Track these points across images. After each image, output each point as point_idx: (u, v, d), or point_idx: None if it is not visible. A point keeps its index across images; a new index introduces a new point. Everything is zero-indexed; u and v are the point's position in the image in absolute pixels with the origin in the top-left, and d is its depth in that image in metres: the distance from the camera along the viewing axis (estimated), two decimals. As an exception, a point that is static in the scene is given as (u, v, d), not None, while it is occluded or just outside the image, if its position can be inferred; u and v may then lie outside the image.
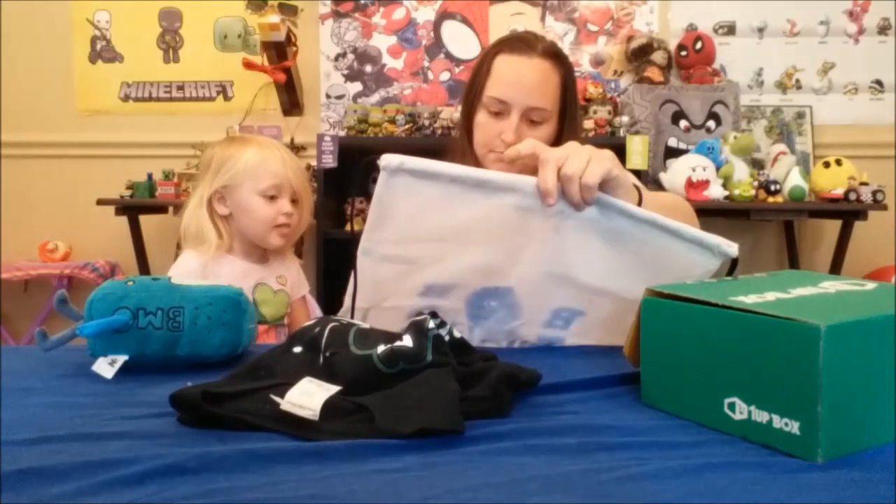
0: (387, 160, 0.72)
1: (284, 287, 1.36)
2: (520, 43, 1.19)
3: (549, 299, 0.82)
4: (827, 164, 2.37)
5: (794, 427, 0.49)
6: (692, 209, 1.06)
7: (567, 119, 1.22)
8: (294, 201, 1.32)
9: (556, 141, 1.18)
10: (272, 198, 1.28)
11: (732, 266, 0.76)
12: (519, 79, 1.16)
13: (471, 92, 1.23)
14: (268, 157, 1.28)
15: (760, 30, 2.75)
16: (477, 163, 1.20)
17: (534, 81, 1.16)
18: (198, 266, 1.25)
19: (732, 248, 0.76)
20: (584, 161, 0.74)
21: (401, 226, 0.77)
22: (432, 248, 0.79)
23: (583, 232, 0.77)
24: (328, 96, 2.81)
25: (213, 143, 1.37)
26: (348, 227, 2.49)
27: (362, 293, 0.82)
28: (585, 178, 0.73)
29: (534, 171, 0.76)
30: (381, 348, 0.60)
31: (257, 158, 1.28)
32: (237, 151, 1.29)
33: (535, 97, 1.15)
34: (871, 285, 0.63)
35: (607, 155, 0.76)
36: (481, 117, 1.19)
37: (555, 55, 1.19)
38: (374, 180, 0.76)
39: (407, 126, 2.51)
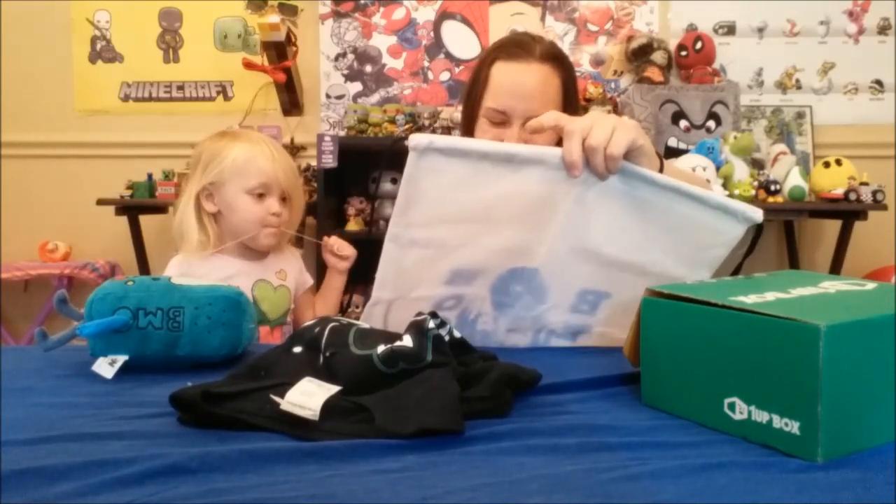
0: (416, 140, 0.72)
1: (285, 282, 1.32)
2: (517, 48, 1.17)
3: (574, 279, 0.83)
4: (827, 164, 2.37)
5: (794, 427, 0.49)
6: (707, 184, 1.06)
7: None
8: (283, 199, 1.27)
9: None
10: (260, 196, 1.24)
11: (756, 235, 0.76)
12: (517, 87, 1.14)
13: (470, 100, 1.22)
14: (256, 154, 1.24)
15: (760, 30, 2.75)
16: None
17: (533, 88, 1.14)
18: (184, 268, 1.21)
19: (757, 213, 0.76)
20: (608, 131, 0.74)
21: (430, 206, 0.76)
22: (461, 229, 0.78)
23: (606, 200, 0.77)
24: (328, 96, 2.80)
25: (204, 138, 1.32)
26: (348, 227, 2.49)
27: (387, 283, 0.82)
28: (610, 148, 0.73)
29: (556, 144, 0.76)
30: (380, 348, 0.60)
31: (245, 155, 1.23)
32: (225, 147, 1.25)
33: (535, 105, 1.13)
34: (871, 285, 0.63)
35: (631, 124, 0.77)
36: (482, 126, 1.18)
37: (553, 57, 1.17)
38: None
39: (407, 126, 2.50)
